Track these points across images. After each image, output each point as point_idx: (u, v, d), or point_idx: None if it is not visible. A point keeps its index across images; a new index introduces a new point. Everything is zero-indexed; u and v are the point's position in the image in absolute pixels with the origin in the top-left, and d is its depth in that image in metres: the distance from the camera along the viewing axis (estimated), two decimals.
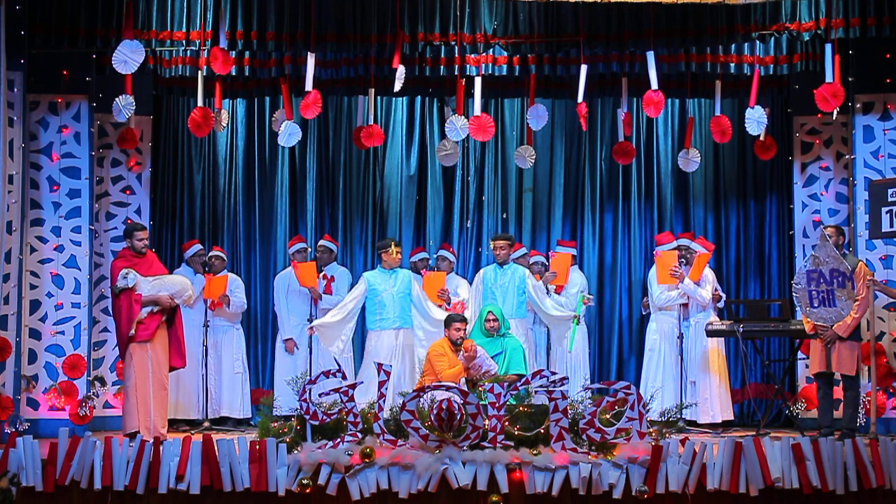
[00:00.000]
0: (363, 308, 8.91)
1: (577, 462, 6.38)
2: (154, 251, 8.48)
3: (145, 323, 7.76)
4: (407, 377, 8.64)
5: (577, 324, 9.04)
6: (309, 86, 8.40)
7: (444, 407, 6.35)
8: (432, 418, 6.40)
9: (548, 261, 9.41)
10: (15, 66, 8.13)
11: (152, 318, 7.76)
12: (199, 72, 8.71)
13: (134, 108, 8.43)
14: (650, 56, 8.45)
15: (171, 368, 7.99)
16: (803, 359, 8.89)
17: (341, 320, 8.71)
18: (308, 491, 6.38)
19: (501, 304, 8.85)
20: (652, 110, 8.58)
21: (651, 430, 6.64)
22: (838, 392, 8.24)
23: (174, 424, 8.55)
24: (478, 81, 8.73)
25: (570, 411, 6.48)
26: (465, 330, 8.23)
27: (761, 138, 9.18)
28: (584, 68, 8.59)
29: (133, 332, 7.74)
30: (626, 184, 10.27)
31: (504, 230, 10.25)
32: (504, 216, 10.28)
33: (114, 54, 8.09)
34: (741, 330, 8.63)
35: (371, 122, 8.95)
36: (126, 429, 7.70)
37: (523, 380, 6.65)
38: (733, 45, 8.81)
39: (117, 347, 8.22)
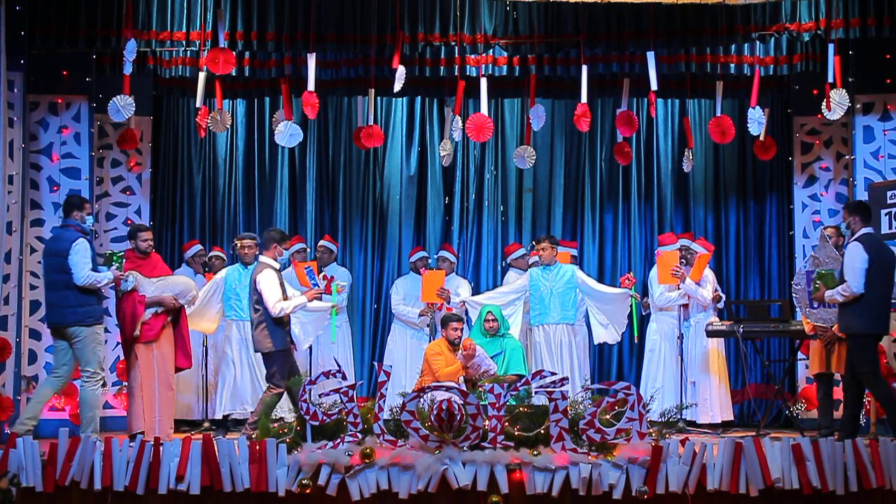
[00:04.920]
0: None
1: (577, 462, 6.37)
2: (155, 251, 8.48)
3: (150, 323, 7.74)
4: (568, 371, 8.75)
5: (337, 314, 8.70)
6: (311, 86, 8.40)
7: (444, 407, 6.35)
8: (432, 419, 6.40)
9: None
10: (15, 66, 8.13)
11: (157, 319, 7.75)
12: (200, 72, 8.71)
13: (133, 108, 8.42)
14: (650, 56, 8.46)
15: (177, 369, 7.98)
16: (803, 359, 8.89)
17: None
18: (308, 491, 6.37)
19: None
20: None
21: (651, 430, 6.63)
22: (838, 392, 8.24)
23: (174, 425, 8.55)
24: (483, 82, 8.72)
25: (570, 411, 6.48)
26: (461, 329, 8.25)
27: (761, 138, 9.18)
28: (584, 69, 8.59)
29: (138, 332, 7.74)
30: (626, 184, 10.28)
31: (504, 229, 10.28)
32: (503, 214, 10.25)
33: (125, 56, 8.11)
34: (741, 330, 8.62)
35: (371, 122, 8.96)
36: (131, 429, 7.67)
37: (523, 380, 6.65)
38: (733, 46, 8.81)
39: (119, 348, 8.23)
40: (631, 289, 8.80)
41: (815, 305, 7.86)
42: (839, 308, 7.37)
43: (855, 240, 7.24)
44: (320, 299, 8.09)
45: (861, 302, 7.15)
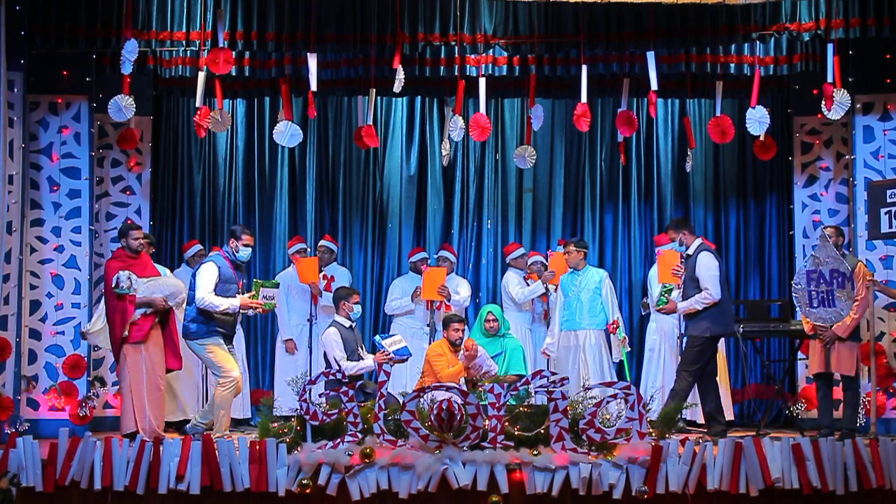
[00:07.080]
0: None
1: (577, 462, 6.38)
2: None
3: (139, 324, 7.71)
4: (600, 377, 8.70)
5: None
6: (314, 86, 8.40)
7: (444, 407, 6.35)
8: (432, 418, 6.40)
9: (547, 260, 9.42)
10: (15, 66, 8.12)
11: (145, 320, 7.72)
12: (199, 72, 8.71)
13: (135, 108, 8.41)
14: (650, 56, 8.45)
15: (168, 370, 7.96)
16: (803, 359, 8.88)
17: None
18: (308, 491, 6.38)
19: None
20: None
21: (651, 430, 6.64)
22: (838, 392, 8.24)
23: (174, 425, 8.55)
24: (482, 82, 8.71)
25: (570, 411, 6.48)
26: (463, 330, 8.25)
27: (761, 138, 9.18)
28: (584, 69, 8.59)
29: (126, 333, 7.72)
30: (626, 184, 10.28)
31: (504, 229, 10.29)
32: (489, 224, 10.27)
33: (122, 56, 8.10)
34: (741, 330, 8.61)
35: (370, 121, 8.95)
36: (123, 429, 7.68)
37: (523, 380, 6.65)
38: (733, 46, 8.80)
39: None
40: (618, 334, 8.84)
41: (815, 305, 7.87)
42: (689, 315, 7.87)
43: (704, 250, 7.87)
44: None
45: (717, 307, 7.77)
